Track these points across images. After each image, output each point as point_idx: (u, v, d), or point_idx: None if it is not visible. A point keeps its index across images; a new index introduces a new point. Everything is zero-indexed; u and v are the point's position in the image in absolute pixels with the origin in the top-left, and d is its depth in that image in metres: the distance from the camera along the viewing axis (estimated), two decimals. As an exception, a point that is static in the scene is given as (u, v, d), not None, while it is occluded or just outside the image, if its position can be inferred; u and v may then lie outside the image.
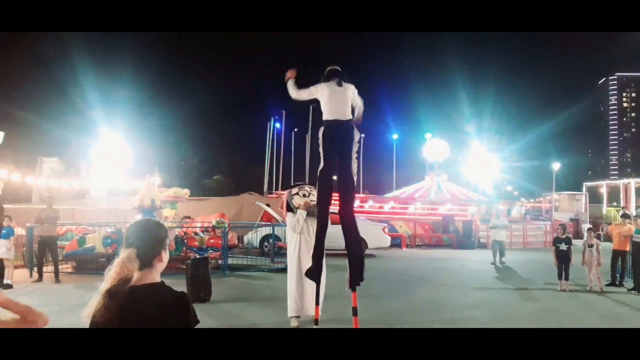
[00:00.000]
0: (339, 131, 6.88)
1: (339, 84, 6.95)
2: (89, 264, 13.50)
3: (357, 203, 30.75)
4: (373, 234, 19.86)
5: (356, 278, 7.01)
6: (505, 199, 38.63)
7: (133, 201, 16.02)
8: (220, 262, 14.10)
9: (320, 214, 7.23)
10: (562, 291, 11.51)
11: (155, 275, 2.32)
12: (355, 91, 7.11)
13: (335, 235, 19.15)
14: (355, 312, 6.90)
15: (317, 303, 7.36)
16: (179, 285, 10.38)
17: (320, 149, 6.96)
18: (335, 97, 6.91)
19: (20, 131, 32.07)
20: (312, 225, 8.07)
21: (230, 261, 14.30)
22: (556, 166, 37.67)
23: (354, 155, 6.89)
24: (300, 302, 8.16)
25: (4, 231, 11.79)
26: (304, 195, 8.40)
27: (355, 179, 6.95)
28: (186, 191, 19.00)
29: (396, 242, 23.07)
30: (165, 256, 2.39)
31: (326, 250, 19.64)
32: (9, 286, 11.18)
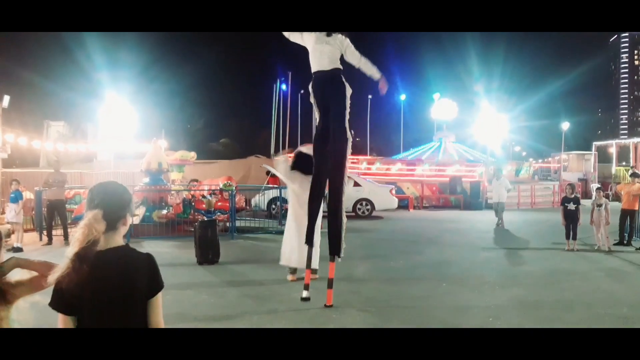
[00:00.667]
0: (325, 81, 6.76)
1: (328, 34, 6.75)
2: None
3: (364, 165, 30.76)
4: (380, 196, 19.89)
5: (332, 249, 6.89)
6: (514, 160, 38.40)
7: (140, 164, 16.05)
8: (228, 224, 14.17)
9: (310, 209, 7.11)
10: (569, 251, 11.51)
11: (119, 239, 2.25)
12: (350, 45, 6.86)
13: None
14: (330, 284, 6.81)
15: (307, 266, 7.17)
16: (188, 247, 10.48)
17: (314, 105, 6.90)
18: (321, 46, 6.75)
19: (27, 94, 32.05)
20: (305, 181, 8.09)
21: (238, 224, 14.38)
22: (565, 126, 37.29)
23: (347, 110, 6.78)
24: (287, 253, 8.35)
25: (12, 195, 11.85)
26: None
27: (349, 139, 6.90)
28: (193, 154, 18.99)
29: (403, 204, 23.08)
30: (129, 220, 2.33)
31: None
32: (19, 249, 11.29)
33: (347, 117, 6.81)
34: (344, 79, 6.81)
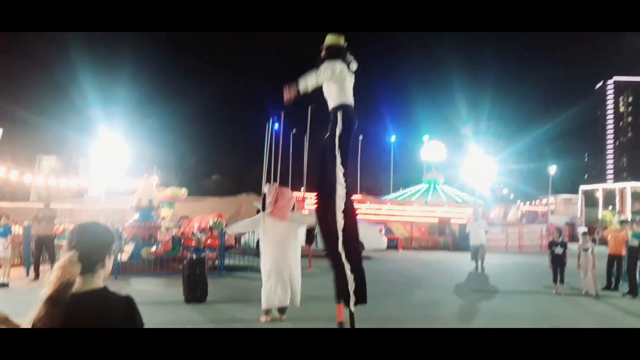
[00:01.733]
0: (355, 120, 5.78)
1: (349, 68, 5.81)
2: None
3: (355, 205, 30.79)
4: (370, 236, 19.89)
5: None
6: (502, 202, 38.67)
7: (131, 200, 16.06)
8: (217, 262, 14.13)
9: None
10: (557, 294, 11.57)
11: (97, 281, 2.21)
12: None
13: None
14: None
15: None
16: (176, 285, 10.44)
17: (340, 144, 5.67)
18: (350, 80, 5.83)
19: (19, 129, 32.07)
20: (279, 225, 8.45)
21: (227, 261, 14.34)
22: (552, 169, 37.74)
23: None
24: (268, 294, 8.38)
25: (0, 230, 11.80)
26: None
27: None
28: (184, 191, 19.02)
29: (393, 245, 23.11)
30: (109, 263, 2.29)
31: (323, 251, 19.63)
32: (5, 285, 11.19)
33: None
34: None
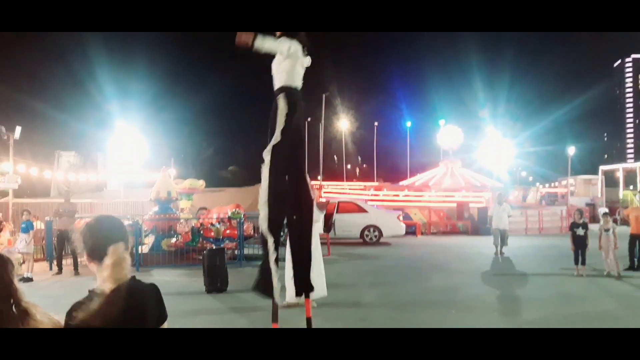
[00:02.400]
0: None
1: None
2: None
3: (371, 192, 30.82)
4: (388, 222, 19.91)
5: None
6: (521, 185, 38.36)
7: (149, 193, 16.22)
8: (236, 252, 14.23)
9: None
10: (579, 276, 11.47)
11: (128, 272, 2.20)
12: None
13: (349, 223, 19.18)
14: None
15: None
16: (196, 275, 10.54)
17: (284, 121, 5.31)
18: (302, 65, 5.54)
19: (38, 125, 32.52)
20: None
21: (246, 251, 14.43)
22: (572, 150, 37.28)
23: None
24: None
25: (23, 225, 12.00)
26: None
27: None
28: (202, 182, 19.15)
29: (411, 230, 23.08)
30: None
31: (341, 238, 19.66)
32: (30, 279, 11.39)
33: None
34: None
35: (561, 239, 19.60)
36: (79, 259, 12.66)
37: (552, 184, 54.25)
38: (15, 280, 2.18)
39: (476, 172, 34.83)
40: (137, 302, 2.13)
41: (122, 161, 24.74)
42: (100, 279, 2.10)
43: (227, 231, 14.57)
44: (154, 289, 2.27)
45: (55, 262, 12.97)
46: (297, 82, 5.48)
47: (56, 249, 13.09)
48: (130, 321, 2.05)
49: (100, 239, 2.17)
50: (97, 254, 2.15)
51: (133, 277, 2.22)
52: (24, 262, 11.94)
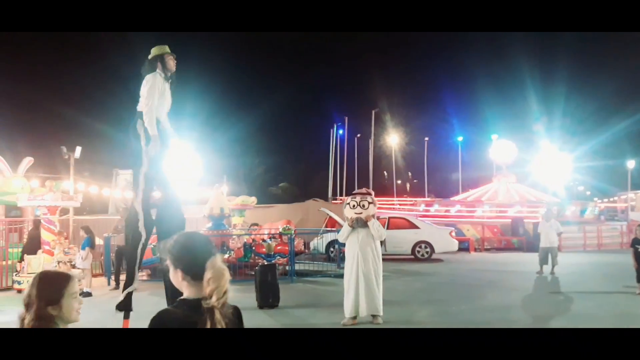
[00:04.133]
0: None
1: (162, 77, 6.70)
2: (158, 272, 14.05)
3: (422, 207, 30.49)
4: (439, 238, 19.63)
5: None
6: (578, 199, 37.15)
7: (203, 210, 16.58)
8: (287, 268, 14.34)
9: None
10: (641, 295, 10.99)
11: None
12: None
13: (400, 239, 19.00)
14: None
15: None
16: (248, 290, 10.68)
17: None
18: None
19: (97, 144, 33.77)
20: (361, 234, 8.46)
21: (297, 267, 14.52)
22: (631, 164, 35.90)
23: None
24: (352, 304, 8.41)
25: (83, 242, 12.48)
26: (353, 207, 8.59)
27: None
28: (253, 199, 19.46)
29: (464, 246, 22.66)
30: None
31: (391, 254, 19.50)
32: (89, 294, 11.79)
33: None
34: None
35: (621, 256, 18.81)
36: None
37: (611, 199, 52.26)
38: (66, 297, 2.35)
39: (531, 187, 33.97)
40: (234, 321, 2.25)
41: (176, 179, 25.36)
42: (197, 294, 2.17)
43: (279, 247, 14.72)
44: (234, 309, 2.34)
45: (113, 277, 13.39)
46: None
47: (114, 264, 13.51)
48: None
49: (198, 255, 2.23)
50: (194, 269, 2.20)
51: None
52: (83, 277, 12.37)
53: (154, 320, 2.12)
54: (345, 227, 8.72)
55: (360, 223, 8.45)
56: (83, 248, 12.35)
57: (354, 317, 8.43)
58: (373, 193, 9.37)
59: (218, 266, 2.20)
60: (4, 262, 13.27)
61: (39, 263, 12.48)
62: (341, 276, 14.03)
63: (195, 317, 2.10)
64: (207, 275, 2.16)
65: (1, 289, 12.75)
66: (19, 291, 12.32)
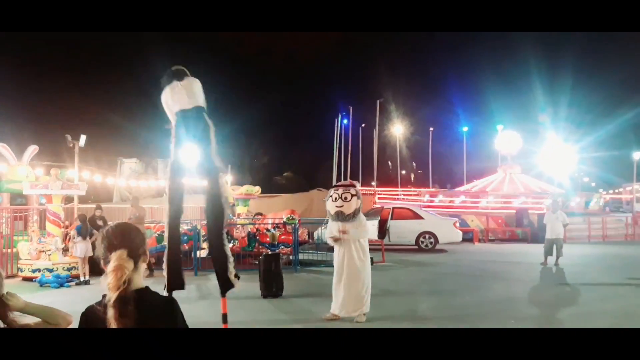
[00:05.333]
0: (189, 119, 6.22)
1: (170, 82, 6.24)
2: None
3: (426, 198, 30.45)
4: (444, 229, 19.61)
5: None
6: (583, 191, 37.01)
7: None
8: (291, 257, 14.34)
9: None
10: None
11: (140, 280, 2.17)
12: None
13: (404, 229, 18.96)
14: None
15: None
16: (252, 280, 10.69)
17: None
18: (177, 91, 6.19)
19: (102, 133, 33.78)
20: (341, 228, 8.04)
21: (301, 256, 14.52)
22: (637, 155, 35.67)
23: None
24: (335, 302, 8.21)
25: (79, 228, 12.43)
26: (335, 200, 8.11)
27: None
28: (257, 189, 19.47)
29: (468, 237, 22.62)
30: (146, 259, 2.26)
31: (395, 245, 19.46)
32: (87, 282, 11.80)
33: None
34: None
35: (627, 247, 18.80)
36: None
37: (617, 190, 52.04)
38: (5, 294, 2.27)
39: (536, 177, 33.83)
40: (142, 315, 2.06)
41: (181, 168, 25.38)
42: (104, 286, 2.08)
43: (282, 236, 14.72)
44: (166, 303, 2.21)
45: None
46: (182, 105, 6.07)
47: None
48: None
49: (107, 245, 2.15)
50: (105, 261, 2.13)
51: (146, 288, 2.18)
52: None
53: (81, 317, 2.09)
54: (330, 223, 8.32)
55: (342, 217, 7.99)
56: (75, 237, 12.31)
57: (336, 315, 8.16)
58: (358, 185, 8.82)
59: (119, 260, 2.09)
60: (9, 250, 13.30)
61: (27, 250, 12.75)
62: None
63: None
64: (108, 267, 2.09)
65: (7, 276, 12.78)
66: (24, 278, 12.39)
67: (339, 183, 8.73)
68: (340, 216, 8.01)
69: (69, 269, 12.35)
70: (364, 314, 8.05)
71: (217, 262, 5.93)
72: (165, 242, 5.80)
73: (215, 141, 5.98)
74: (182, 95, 6.29)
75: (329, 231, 8.35)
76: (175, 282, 5.54)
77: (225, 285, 5.81)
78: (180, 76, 6.29)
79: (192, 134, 6.26)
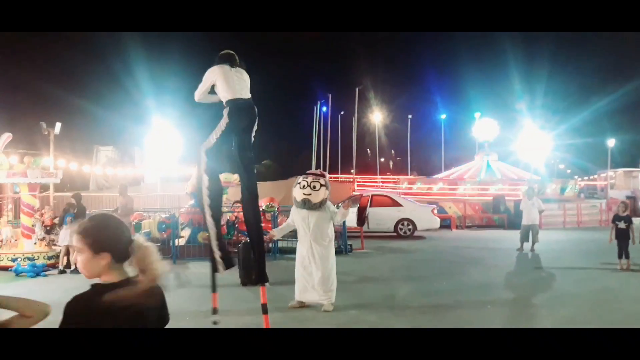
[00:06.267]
0: (245, 109, 6.27)
1: (232, 66, 6.29)
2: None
3: (405, 185, 30.63)
4: (422, 216, 19.78)
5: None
6: (558, 177, 37.58)
7: (185, 187, 16.46)
8: (270, 245, 14.32)
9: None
10: (622, 270, 11.19)
11: (129, 270, 2.18)
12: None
13: (383, 216, 19.04)
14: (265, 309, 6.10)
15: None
16: (232, 269, 10.65)
17: (222, 128, 6.25)
18: (232, 76, 6.24)
19: (77, 121, 33.28)
20: (313, 217, 7.98)
21: (280, 244, 14.51)
22: (611, 142, 36.28)
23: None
24: (298, 288, 8.25)
25: (67, 218, 12.26)
26: (303, 187, 8.02)
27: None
28: (236, 176, 19.30)
29: (446, 224, 22.86)
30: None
31: (374, 232, 19.56)
32: (63, 272, 11.67)
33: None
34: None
35: (601, 233, 19.13)
36: None
37: (591, 177, 52.95)
38: None
39: (512, 165, 34.25)
40: (162, 300, 2.19)
41: (158, 156, 25.16)
42: (117, 277, 2.11)
43: (262, 224, 14.66)
44: (161, 290, 2.24)
45: None
46: (239, 93, 6.18)
47: None
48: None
49: (121, 236, 2.17)
50: (120, 252, 2.14)
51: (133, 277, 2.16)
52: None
53: (70, 307, 2.01)
54: (293, 210, 8.28)
55: (308, 205, 7.91)
56: (66, 224, 12.14)
57: (302, 302, 8.16)
58: (327, 176, 8.73)
59: (145, 244, 2.13)
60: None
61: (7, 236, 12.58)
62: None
63: (122, 301, 2.00)
64: (138, 254, 2.10)
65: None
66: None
67: (309, 171, 8.64)
68: (306, 204, 7.93)
69: (49, 258, 12.18)
70: (332, 303, 7.98)
71: (257, 254, 6.24)
72: (211, 229, 5.91)
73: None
74: (241, 84, 6.26)
75: (291, 218, 8.34)
76: (228, 261, 5.95)
77: (262, 277, 6.15)
78: (234, 63, 6.28)
79: (245, 124, 6.25)
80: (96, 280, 2.12)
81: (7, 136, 15.69)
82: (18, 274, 11.32)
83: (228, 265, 5.99)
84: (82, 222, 2.18)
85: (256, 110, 6.31)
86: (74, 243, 2.13)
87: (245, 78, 6.33)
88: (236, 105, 6.14)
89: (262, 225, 6.76)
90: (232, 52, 6.40)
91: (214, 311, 5.82)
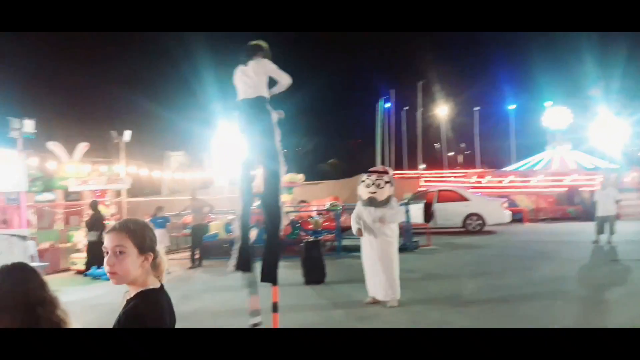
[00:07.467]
0: (249, 110, 6.28)
1: (244, 63, 6.28)
2: (213, 250, 14.32)
3: (474, 179, 29.88)
4: (491, 210, 19.22)
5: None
6: (637, 166, 35.58)
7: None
8: (335, 244, 14.36)
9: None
10: None
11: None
12: (272, 66, 6.33)
13: (450, 212, 18.68)
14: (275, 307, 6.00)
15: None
16: (295, 267, 10.73)
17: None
18: (243, 76, 6.27)
19: (148, 127, 34.50)
20: (377, 215, 7.99)
21: (344, 242, 14.51)
22: (699, 127, 33.94)
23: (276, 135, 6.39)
24: (369, 285, 8.24)
25: (159, 220, 12.74)
26: (368, 186, 8.15)
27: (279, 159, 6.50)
28: (301, 176, 19.53)
29: (517, 218, 22.10)
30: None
31: (441, 228, 19.20)
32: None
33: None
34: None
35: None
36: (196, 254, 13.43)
37: (677, 164, 49.72)
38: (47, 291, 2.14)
39: (587, 153, 32.70)
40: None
41: (225, 158, 25.72)
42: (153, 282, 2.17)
43: (326, 223, 14.74)
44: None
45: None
46: (242, 94, 6.31)
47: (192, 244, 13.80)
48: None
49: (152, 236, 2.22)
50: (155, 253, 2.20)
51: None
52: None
53: (150, 311, 2.07)
54: (357, 208, 8.31)
55: (374, 203, 7.99)
56: (161, 227, 12.54)
57: (375, 298, 8.15)
58: (391, 172, 8.83)
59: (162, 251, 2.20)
60: (62, 245, 13.80)
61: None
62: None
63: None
64: (163, 258, 2.17)
65: (59, 270, 13.22)
66: (79, 272, 12.77)
67: (372, 169, 8.66)
68: (372, 202, 8.04)
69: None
70: (397, 299, 7.98)
71: (270, 254, 6.22)
72: (237, 231, 6.17)
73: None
74: (244, 84, 6.28)
75: (356, 215, 8.30)
76: (244, 265, 6.13)
77: (270, 276, 6.10)
78: (244, 60, 6.30)
79: (243, 125, 6.44)
80: (123, 288, 2.18)
81: (84, 145, 16.53)
82: (94, 277, 11.87)
83: (241, 267, 6.16)
84: (122, 222, 2.17)
85: (258, 109, 6.24)
86: (115, 243, 2.09)
87: (250, 74, 6.24)
88: (236, 107, 6.38)
89: (283, 223, 6.75)
90: (246, 46, 6.39)
91: (255, 312, 6.04)
